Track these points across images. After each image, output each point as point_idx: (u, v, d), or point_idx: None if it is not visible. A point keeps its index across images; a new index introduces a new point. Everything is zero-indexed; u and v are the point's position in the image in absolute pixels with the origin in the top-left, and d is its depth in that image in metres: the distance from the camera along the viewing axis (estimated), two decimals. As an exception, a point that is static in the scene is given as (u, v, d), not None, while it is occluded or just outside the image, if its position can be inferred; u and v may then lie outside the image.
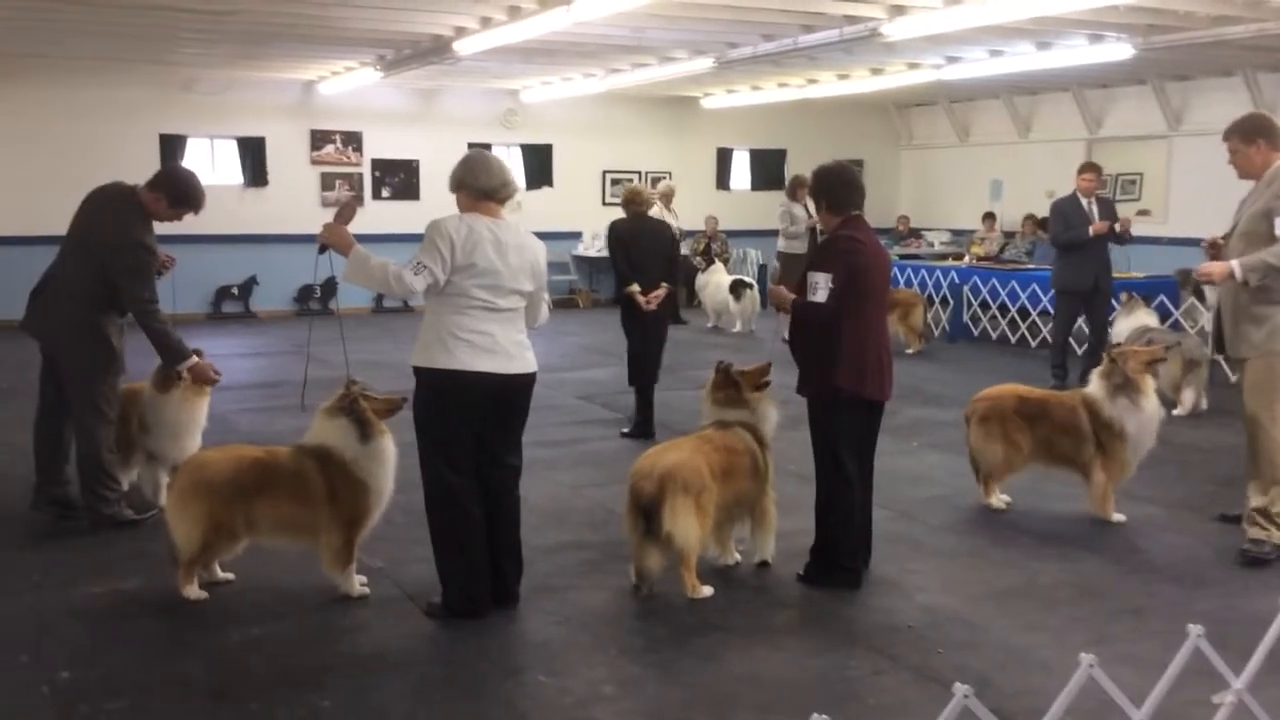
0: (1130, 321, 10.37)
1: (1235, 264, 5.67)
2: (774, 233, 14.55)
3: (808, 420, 5.52)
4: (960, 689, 2.52)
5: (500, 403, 4.94)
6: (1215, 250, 6.18)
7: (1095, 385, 6.63)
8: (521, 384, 4.99)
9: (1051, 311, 13.04)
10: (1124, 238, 10.70)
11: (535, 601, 5.19)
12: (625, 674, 4.49)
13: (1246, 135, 5.87)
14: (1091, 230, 10.51)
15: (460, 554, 4.96)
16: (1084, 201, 10.79)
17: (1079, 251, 10.70)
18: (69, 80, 15.09)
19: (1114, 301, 10.94)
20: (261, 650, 4.68)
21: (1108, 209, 10.92)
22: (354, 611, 5.10)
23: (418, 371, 4.92)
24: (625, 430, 8.96)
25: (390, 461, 5.19)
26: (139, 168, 6.45)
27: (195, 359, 6.24)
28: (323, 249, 4.94)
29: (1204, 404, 9.63)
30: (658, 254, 8.70)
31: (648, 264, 8.61)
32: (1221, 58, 13.48)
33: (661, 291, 8.61)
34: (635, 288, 8.53)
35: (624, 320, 8.83)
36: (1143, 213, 10.55)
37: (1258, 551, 5.79)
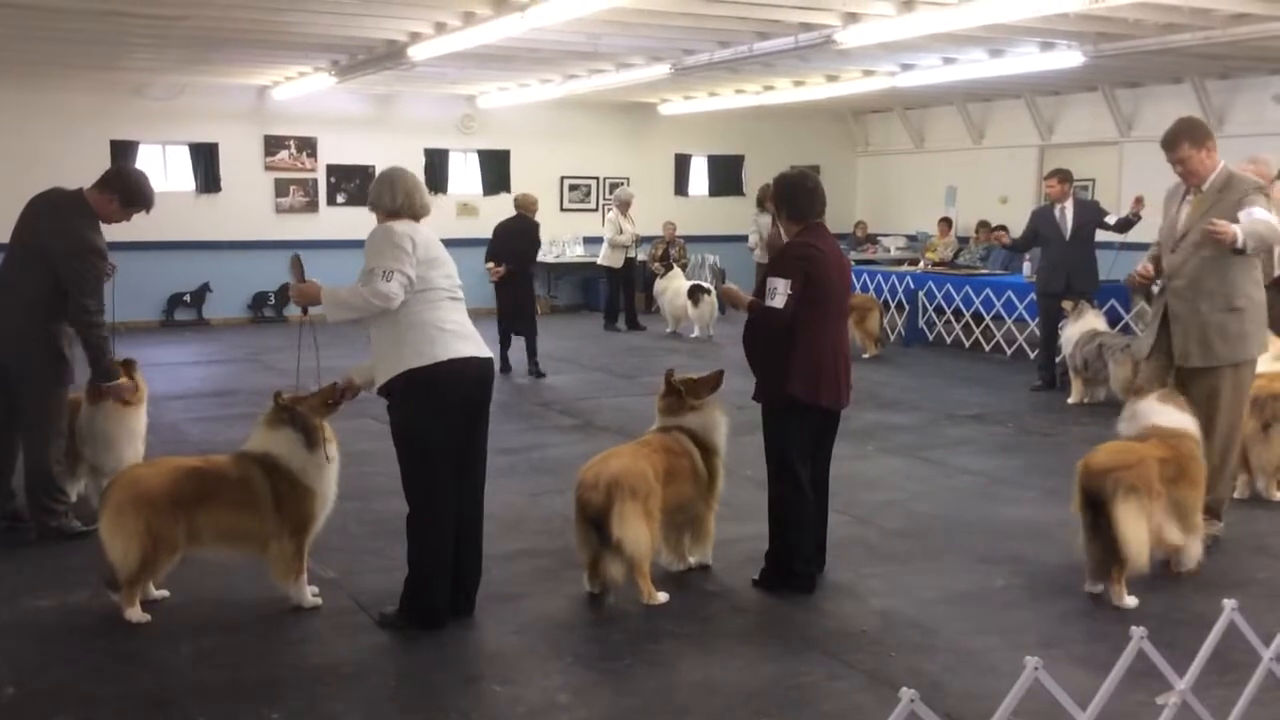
0: (1079, 326, 10.41)
1: (1238, 229, 5.54)
2: (733, 238, 14.58)
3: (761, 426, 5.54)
4: (907, 693, 2.53)
5: (479, 391, 4.95)
6: (1146, 276, 6.09)
7: None
8: (492, 370, 5.06)
9: (1005, 316, 13.26)
10: (1128, 224, 10.88)
11: (491, 610, 5.15)
12: (580, 682, 4.48)
13: (1197, 140, 5.84)
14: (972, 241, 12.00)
15: (439, 570, 4.91)
16: (1055, 209, 10.91)
17: (1049, 255, 10.91)
18: (17, 86, 14.85)
19: (1090, 304, 10.64)
20: (212, 662, 4.63)
21: (1089, 212, 11.04)
22: (306, 622, 5.05)
23: (407, 377, 4.74)
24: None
25: (335, 467, 5.15)
26: (90, 175, 6.33)
27: (117, 381, 6.21)
28: (304, 310, 5.11)
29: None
30: (514, 244, 12.17)
31: (505, 251, 12.13)
32: (1170, 65, 13.68)
33: (502, 269, 12.03)
34: (489, 265, 12.11)
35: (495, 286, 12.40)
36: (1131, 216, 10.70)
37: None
